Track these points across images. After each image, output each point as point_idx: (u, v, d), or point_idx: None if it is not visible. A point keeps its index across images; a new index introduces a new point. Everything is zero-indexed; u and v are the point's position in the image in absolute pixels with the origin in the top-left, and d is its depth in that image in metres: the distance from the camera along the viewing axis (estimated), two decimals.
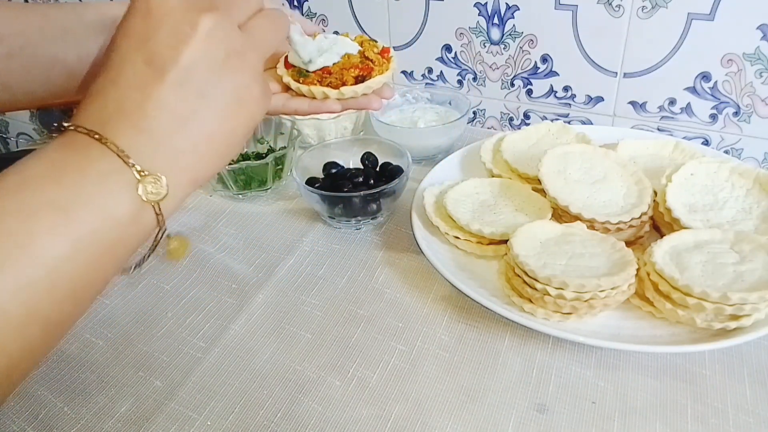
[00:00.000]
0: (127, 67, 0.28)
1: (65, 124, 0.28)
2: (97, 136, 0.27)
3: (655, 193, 0.56)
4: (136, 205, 0.27)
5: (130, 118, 0.28)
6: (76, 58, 0.43)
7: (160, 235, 0.30)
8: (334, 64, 0.45)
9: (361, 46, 0.48)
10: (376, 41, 0.49)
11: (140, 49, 0.28)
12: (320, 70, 0.45)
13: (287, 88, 0.46)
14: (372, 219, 0.64)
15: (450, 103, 0.80)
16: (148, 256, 0.31)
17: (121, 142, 0.27)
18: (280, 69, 0.47)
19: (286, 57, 0.46)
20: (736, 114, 0.70)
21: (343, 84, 0.45)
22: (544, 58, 0.77)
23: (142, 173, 0.27)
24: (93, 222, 0.26)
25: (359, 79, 0.46)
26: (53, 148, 0.28)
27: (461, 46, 0.81)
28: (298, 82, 0.45)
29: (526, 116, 0.84)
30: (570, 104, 0.79)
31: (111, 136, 0.27)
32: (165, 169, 0.28)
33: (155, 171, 0.28)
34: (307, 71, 0.45)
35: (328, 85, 0.45)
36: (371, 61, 0.46)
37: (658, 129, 0.75)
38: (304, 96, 0.46)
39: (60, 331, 0.27)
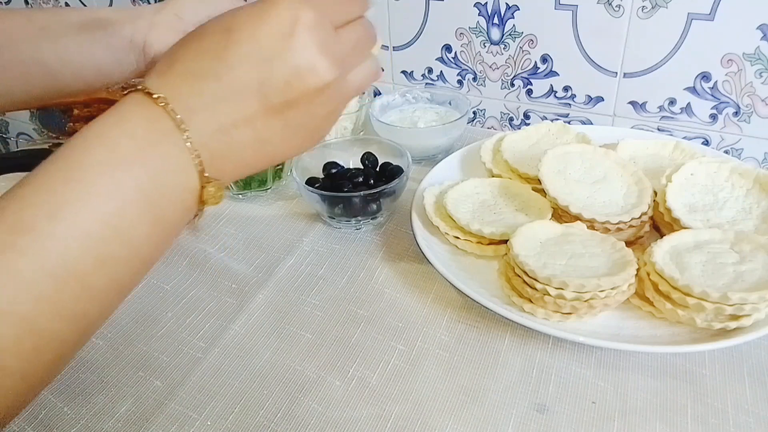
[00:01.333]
0: (240, 71, 0.28)
1: (156, 96, 0.27)
2: (182, 125, 0.27)
3: (655, 193, 0.56)
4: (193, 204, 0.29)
5: (219, 120, 0.29)
6: (56, 58, 0.43)
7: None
8: None
9: None
10: None
11: (259, 63, 0.28)
12: None
13: None
14: (372, 219, 0.64)
15: (450, 103, 0.80)
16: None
17: (195, 139, 0.28)
18: None
19: None
20: (736, 114, 0.70)
21: None
22: (544, 58, 0.77)
23: (205, 176, 0.28)
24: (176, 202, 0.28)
25: None
26: (137, 124, 0.27)
27: (461, 46, 0.81)
28: None
29: (526, 116, 0.84)
30: (570, 104, 0.79)
31: (195, 127, 0.28)
32: (223, 170, 0.30)
33: (214, 171, 0.29)
34: None
35: None
36: None
37: (658, 129, 0.75)
38: None
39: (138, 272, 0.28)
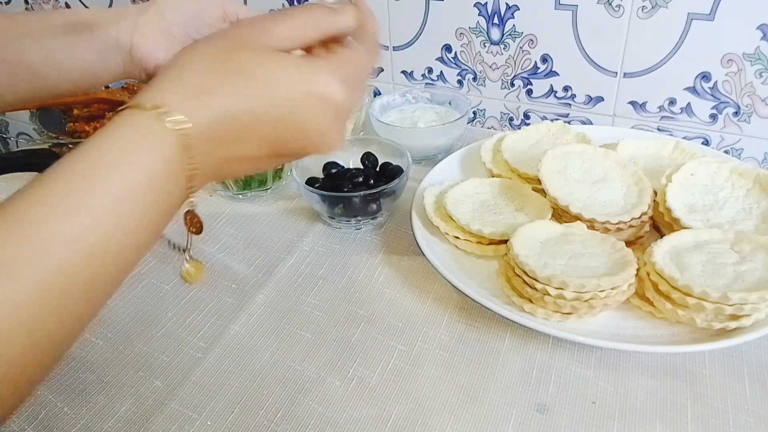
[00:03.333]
0: (255, 145, 0.30)
1: (176, 121, 0.28)
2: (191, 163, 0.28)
3: (655, 193, 0.56)
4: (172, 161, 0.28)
5: (225, 158, 0.30)
6: (41, 59, 0.43)
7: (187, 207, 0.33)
8: None
9: None
10: None
11: (273, 148, 0.31)
12: None
13: None
14: (372, 219, 0.64)
15: (450, 103, 0.80)
16: (189, 235, 0.34)
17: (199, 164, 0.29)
18: None
19: None
20: (736, 114, 0.70)
21: None
22: (544, 58, 0.77)
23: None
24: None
25: None
26: (119, 127, 0.28)
27: (461, 46, 0.81)
28: None
29: (526, 116, 0.84)
30: (570, 104, 0.79)
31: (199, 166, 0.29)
32: (212, 173, 0.31)
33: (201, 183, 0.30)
34: None
35: None
36: None
37: (658, 129, 0.75)
38: None
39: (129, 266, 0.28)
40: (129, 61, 0.45)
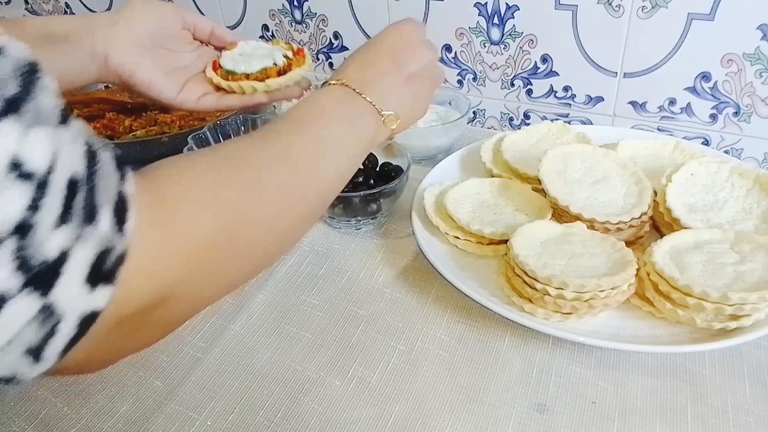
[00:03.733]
0: (382, 61, 0.45)
1: (333, 82, 0.43)
2: (359, 92, 0.42)
3: (655, 193, 0.56)
4: (378, 127, 0.44)
5: (379, 87, 0.43)
6: None
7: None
8: (270, 66, 0.54)
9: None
10: (289, 43, 0.57)
11: (391, 54, 0.45)
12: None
13: (218, 89, 0.54)
14: (372, 219, 0.64)
15: (450, 103, 0.80)
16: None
17: (371, 98, 0.43)
18: (209, 72, 0.54)
19: (214, 62, 0.54)
20: (736, 114, 0.70)
21: (268, 77, 0.53)
22: (544, 58, 0.77)
23: (382, 114, 0.43)
24: (369, 128, 0.43)
25: (281, 73, 0.54)
26: (332, 92, 0.42)
27: (461, 46, 0.81)
28: (227, 80, 0.53)
29: (526, 116, 0.84)
30: (570, 104, 0.79)
31: (367, 94, 0.42)
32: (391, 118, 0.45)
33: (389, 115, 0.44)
34: (235, 72, 0.53)
35: (254, 80, 0.52)
36: (289, 58, 0.55)
37: (658, 129, 0.75)
38: (234, 93, 0.53)
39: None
40: (104, 68, 0.49)
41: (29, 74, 0.21)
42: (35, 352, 0.21)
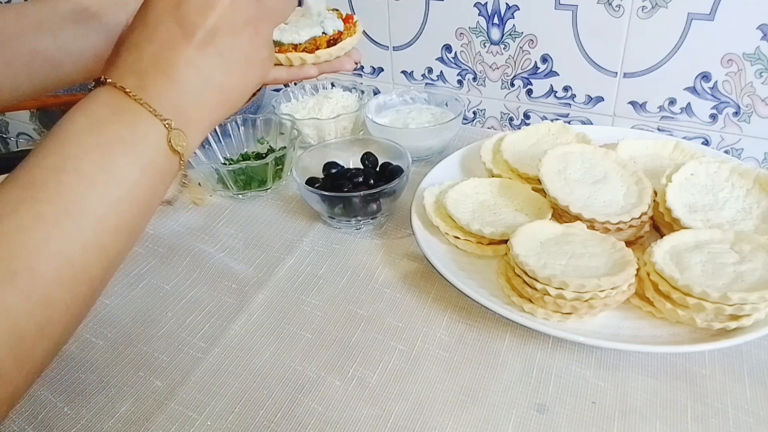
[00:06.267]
0: (162, 27, 0.33)
1: (102, 78, 0.32)
2: (134, 95, 0.32)
3: (655, 193, 0.56)
4: (166, 152, 0.33)
5: (164, 71, 0.32)
6: (56, 48, 0.44)
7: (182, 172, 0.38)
8: (320, 36, 0.49)
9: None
10: (337, 9, 0.53)
11: (173, 13, 0.33)
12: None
13: None
14: (372, 219, 0.64)
15: (447, 105, 0.79)
16: (181, 186, 0.37)
17: (154, 92, 0.32)
18: None
19: None
20: (736, 114, 0.70)
21: (318, 48, 0.49)
22: (544, 58, 0.77)
23: (168, 126, 0.32)
24: (150, 155, 0.32)
25: (331, 43, 0.50)
26: (96, 104, 0.32)
27: (461, 46, 0.81)
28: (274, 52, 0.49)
29: (526, 116, 0.84)
30: (570, 104, 0.79)
31: (148, 86, 0.32)
32: (189, 117, 0.33)
33: (181, 119, 0.33)
34: (282, 42, 0.48)
35: (303, 51, 0.48)
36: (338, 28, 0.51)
37: (658, 129, 0.75)
38: (281, 65, 0.49)
39: (128, 248, 0.33)
40: None
41: None
42: None
